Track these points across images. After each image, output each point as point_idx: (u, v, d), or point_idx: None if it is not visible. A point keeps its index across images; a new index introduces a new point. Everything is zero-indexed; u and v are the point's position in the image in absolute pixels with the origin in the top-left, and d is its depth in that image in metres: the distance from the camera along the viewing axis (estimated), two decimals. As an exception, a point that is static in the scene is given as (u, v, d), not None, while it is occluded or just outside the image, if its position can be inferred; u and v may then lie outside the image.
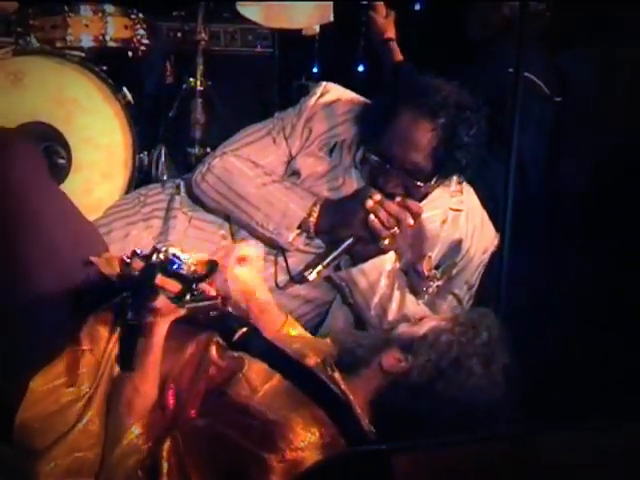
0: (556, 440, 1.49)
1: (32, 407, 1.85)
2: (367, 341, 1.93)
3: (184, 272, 1.83)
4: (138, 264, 1.85)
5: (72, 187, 2.97)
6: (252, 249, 2.10)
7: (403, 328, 1.95)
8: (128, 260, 1.87)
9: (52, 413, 1.86)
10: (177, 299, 1.83)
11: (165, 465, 1.73)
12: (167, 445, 1.75)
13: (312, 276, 2.28)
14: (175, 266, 1.83)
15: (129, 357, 1.82)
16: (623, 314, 2.81)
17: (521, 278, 2.23)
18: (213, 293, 1.91)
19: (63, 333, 1.93)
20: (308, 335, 2.22)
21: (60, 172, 3.06)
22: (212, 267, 1.88)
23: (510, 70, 2.15)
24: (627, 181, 3.17)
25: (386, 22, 3.51)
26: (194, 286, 1.84)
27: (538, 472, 1.45)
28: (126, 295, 1.86)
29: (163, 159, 3.55)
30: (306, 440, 1.72)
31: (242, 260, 2.05)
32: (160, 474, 1.72)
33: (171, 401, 1.86)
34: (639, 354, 2.61)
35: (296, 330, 2.18)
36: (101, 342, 1.93)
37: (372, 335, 1.99)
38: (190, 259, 1.86)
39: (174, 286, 1.82)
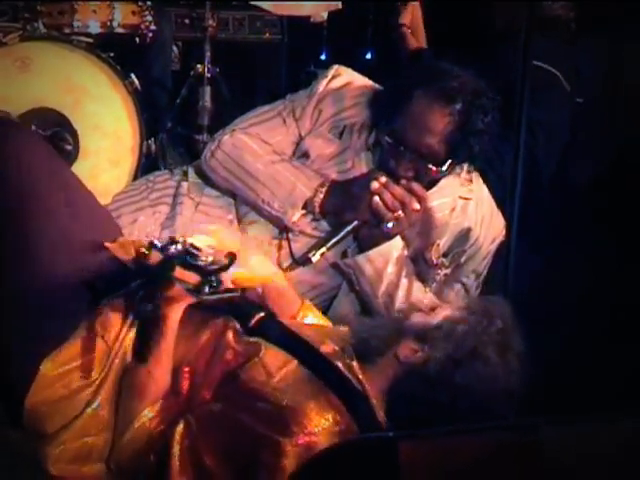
0: (560, 432, 1.49)
1: (42, 391, 1.84)
2: (381, 332, 1.91)
3: (202, 264, 1.82)
4: (156, 257, 1.84)
5: (79, 173, 2.91)
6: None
7: (417, 318, 1.92)
8: (146, 252, 1.86)
9: (62, 397, 1.85)
10: (195, 291, 1.83)
11: (177, 448, 1.71)
12: (180, 428, 1.74)
13: (315, 258, 2.26)
14: (193, 258, 1.81)
15: (146, 349, 1.81)
16: (626, 309, 2.81)
17: (528, 270, 2.22)
18: (232, 285, 1.90)
19: (75, 318, 1.92)
20: (326, 321, 2.19)
21: (67, 158, 3.06)
22: (231, 259, 1.87)
23: (535, 63, 2.14)
24: (633, 176, 3.17)
25: (402, 7, 3.47)
26: (212, 278, 1.83)
27: (542, 462, 1.45)
28: (142, 286, 1.86)
29: (165, 146, 3.55)
30: (320, 426, 1.70)
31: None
32: (172, 457, 1.71)
33: (185, 386, 1.85)
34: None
35: (313, 313, 2.16)
36: (113, 328, 1.91)
37: (386, 324, 1.97)
38: (209, 250, 1.85)
39: (192, 278, 1.81)
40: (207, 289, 1.82)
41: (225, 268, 1.84)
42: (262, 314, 1.94)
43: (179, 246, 1.80)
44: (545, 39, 3.03)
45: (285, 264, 2.39)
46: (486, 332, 1.83)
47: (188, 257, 1.80)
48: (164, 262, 1.80)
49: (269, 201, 2.35)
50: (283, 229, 2.38)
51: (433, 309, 1.95)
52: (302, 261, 2.34)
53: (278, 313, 2.02)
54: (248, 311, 1.94)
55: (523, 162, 2.06)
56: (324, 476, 1.53)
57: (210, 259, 1.82)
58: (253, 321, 1.92)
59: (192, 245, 1.82)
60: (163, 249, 1.81)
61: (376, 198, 2.24)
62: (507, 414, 1.80)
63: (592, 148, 3.38)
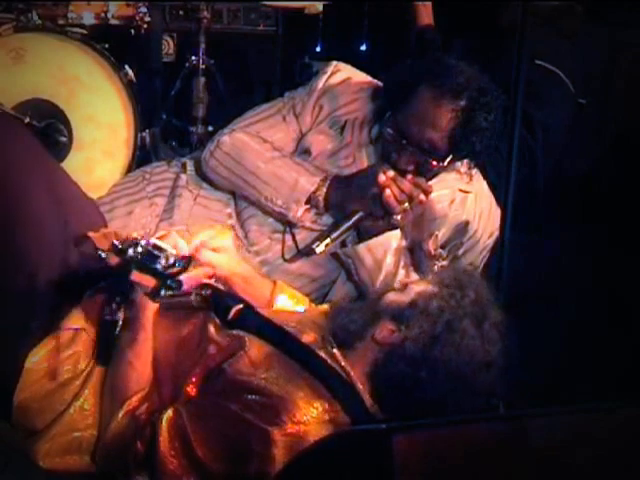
0: (552, 422, 1.49)
1: (29, 386, 1.86)
2: (358, 315, 1.91)
3: (160, 267, 1.80)
4: (114, 259, 1.84)
5: (73, 165, 2.96)
6: (226, 240, 2.08)
7: (390, 297, 1.93)
8: (103, 255, 1.86)
9: (49, 392, 1.86)
10: (152, 294, 1.82)
11: (165, 435, 1.71)
12: (168, 415, 1.74)
13: (320, 249, 2.27)
14: (151, 260, 1.80)
15: (105, 351, 1.82)
16: (623, 302, 2.82)
17: (521, 264, 2.22)
18: (205, 283, 1.91)
19: (58, 312, 1.93)
20: (301, 300, 2.20)
21: (61, 150, 3.05)
22: (188, 261, 1.86)
23: (537, 62, 2.11)
24: (627, 166, 3.17)
25: None
26: (169, 282, 1.82)
27: (533, 453, 1.45)
28: (110, 286, 1.86)
29: (158, 139, 3.54)
30: (309, 415, 1.71)
31: (216, 250, 2.03)
32: (159, 444, 1.71)
33: (168, 379, 1.86)
34: (638, 341, 2.61)
35: (286, 293, 2.16)
36: (95, 321, 1.92)
37: (362, 308, 1.98)
38: (171, 250, 1.83)
39: (149, 281, 1.81)
40: (163, 292, 1.81)
41: (181, 272, 1.83)
42: (240, 306, 1.94)
43: (139, 248, 1.78)
44: (549, 38, 3.03)
45: (288, 256, 2.40)
46: (460, 304, 1.83)
47: (146, 260, 1.79)
48: (120, 266, 1.80)
49: (272, 198, 2.36)
50: (285, 223, 2.39)
51: (406, 285, 1.95)
52: (306, 252, 2.35)
53: (251, 300, 2.01)
54: (227, 303, 1.93)
55: (517, 158, 2.05)
56: (318, 468, 1.53)
57: (171, 260, 1.81)
58: (231, 313, 1.91)
59: (155, 246, 1.80)
60: (121, 252, 1.80)
61: (388, 191, 2.24)
62: (488, 385, 1.81)
63: (589, 144, 3.38)
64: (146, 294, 1.83)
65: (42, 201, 2.01)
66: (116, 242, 1.83)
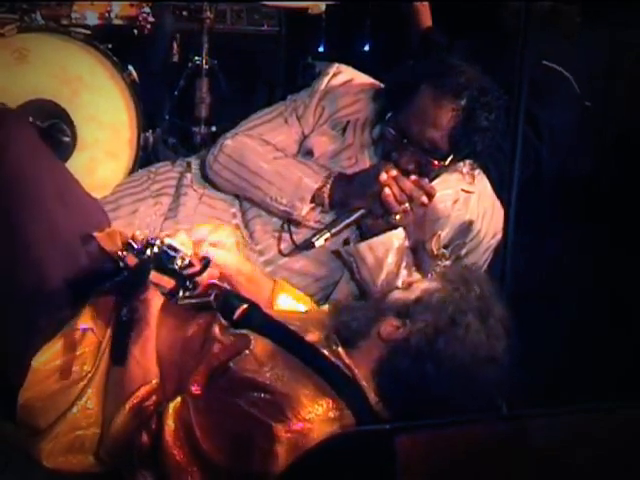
0: (552, 422, 1.50)
1: (35, 386, 1.86)
2: (361, 313, 1.92)
3: (177, 267, 1.82)
4: (132, 260, 1.85)
5: (76, 165, 2.97)
6: (223, 234, 2.10)
7: (395, 295, 1.93)
8: (122, 255, 1.87)
9: (55, 392, 1.87)
10: (170, 295, 1.83)
11: (171, 422, 1.72)
12: (175, 403, 1.75)
13: (319, 242, 2.27)
14: (169, 260, 1.81)
15: (122, 351, 1.83)
16: (624, 302, 2.82)
17: (522, 263, 2.23)
18: (212, 283, 1.92)
19: (66, 311, 1.94)
20: (302, 299, 2.21)
21: (65, 150, 3.06)
22: (206, 262, 1.87)
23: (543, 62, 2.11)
24: (629, 166, 3.17)
25: None
26: (187, 282, 1.83)
27: (534, 453, 1.46)
28: (121, 285, 1.87)
29: (158, 139, 3.54)
30: (314, 412, 1.72)
31: (214, 245, 2.05)
32: (165, 432, 1.71)
33: (172, 380, 1.87)
34: (638, 341, 2.62)
35: (287, 292, 2.17)
36: (103, 321, 1.93)
37: (365, 306, 1.98)
38: (186, 250, 1.85)
39: (168, 283, 1.83)
40: (181, 293, 1.83)
41: (200, 272, 1.85)
42: (245, 306, 1.95)
43: (155, 249, 1.80)
44: (552, 39, 3.03)
45: (286, 252, 2.40)
46: (464, 299, 1.83)
47: (164, 260, 1.80)
48: (139, 266, 1.81)
49: (276, 197, 2.37)
50: (287, 221, 2.40)
51: (410, 284, 1.95)
52: (305, 246, 2.36)
53: (253, 299, 2.02)
54: (232, 303, 1.94)
55: (521, 158, 2.06)
56: (321, 468, 1.54)
57: (187, 261, 1.82)
58: (237, 313, 1.92)
59: (169, 246, 1.82)
60: (139, 252, 1.81)
61: (387, 190, 2.25)
62: (493, 382, 1.80)
63: (590, 144, 3.38)
64: (164, 294, 1.84)
65: (53, 199, 2.02)
66: (133, 242, 1.84)
